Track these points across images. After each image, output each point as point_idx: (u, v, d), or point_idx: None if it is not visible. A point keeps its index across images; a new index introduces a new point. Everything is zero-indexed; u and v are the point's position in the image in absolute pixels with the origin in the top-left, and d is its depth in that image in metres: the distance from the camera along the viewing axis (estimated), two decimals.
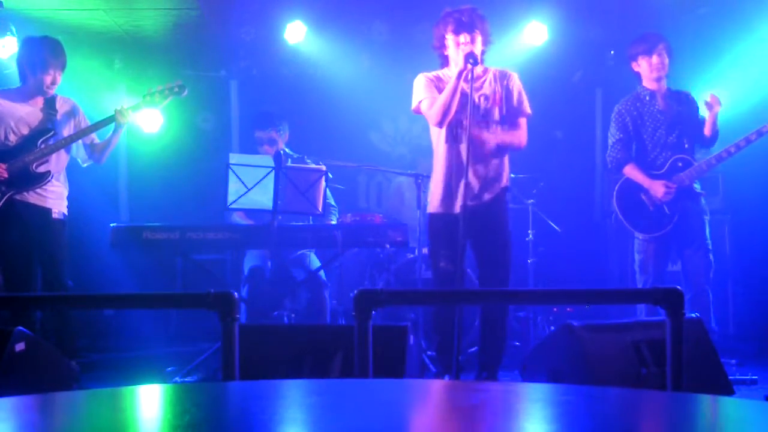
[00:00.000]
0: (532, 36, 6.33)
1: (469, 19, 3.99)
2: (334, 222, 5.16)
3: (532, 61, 6.45)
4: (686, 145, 4.69)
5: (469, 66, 3.85)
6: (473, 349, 4.74)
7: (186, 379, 4.50)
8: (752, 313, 5.99)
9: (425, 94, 4.04)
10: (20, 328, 3.25)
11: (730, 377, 3.56)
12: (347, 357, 3.13)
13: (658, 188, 4.61)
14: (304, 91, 6.86)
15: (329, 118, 6.87)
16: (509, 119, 4.13)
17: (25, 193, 4.37)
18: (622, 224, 4.83)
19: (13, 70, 4.68)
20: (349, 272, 5.71)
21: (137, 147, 6.70)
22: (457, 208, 3.97)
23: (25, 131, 4.42)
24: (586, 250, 6.60)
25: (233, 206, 4.51)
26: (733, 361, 4.93)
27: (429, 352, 4.75)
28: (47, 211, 4.41)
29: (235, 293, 2.62)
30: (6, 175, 4.31)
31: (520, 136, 4.15)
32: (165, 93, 4.62)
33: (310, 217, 5.07)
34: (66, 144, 4.44)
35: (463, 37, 3.97)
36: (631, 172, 4.70)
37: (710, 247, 4.68)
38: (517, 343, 5.60)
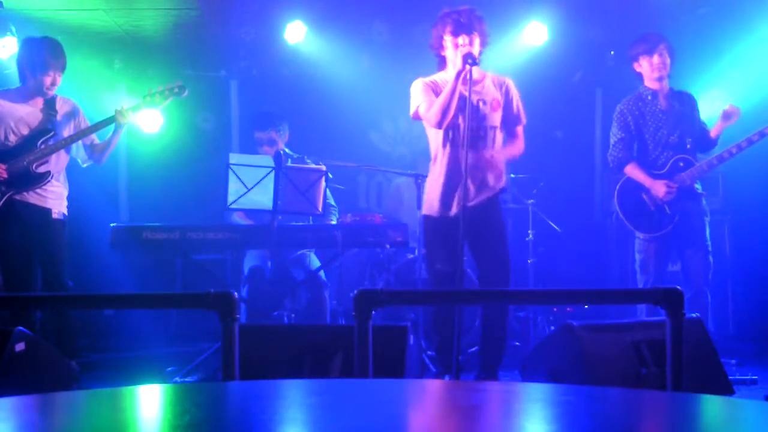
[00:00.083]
0: (532, 36, 6.33)
1: (468, 21, 3.98)
2: (334, 222, 5.16)
3: (532, 61, 6.45)
4: (688, 145, 4.69)
5: (468, 66, 3.85)
6: (473, 349, 4.75)
7: (186, 379, 4.50)
8: (752, 313, 5.99)
9: (423, 98, 4.03)
10: (20, 328, 3.25)
11: (730, 377, 3.56)
12: (347, 357, 3.13)
13: (659, 188, 4.61)
14: (304, 91, 6.86)
15: (329, 118, 6.86)
16: (507, 126, 4.15)
17: (25, 194, 4.37)
18: (623, 224, 4.83)
19: (13, 70, 4.68)
20: (349, 272, 5.71)
21: (137, 147, 6.70)
22: (454, 210, 3.97)
23: (25, 132, 4.42)
24: (586, 250, 6.60)
25: (233, 206, 4.51)
26: (733, 361, 4.93)
27: (429, 352, 4.75)
28: (47, 211, 4.41)
29: (235, 293, 2.62)
30: (5, 176, 4.31)
31: (521, 146, 4.20)
32: (165, 94, 4.62)
33: (310, 217, 5.07)
34: (66, 144, 4.44)
35: (462, 39, 3.96)
36: (633, 171, 4.70)
37: (710, 248, 4.68)
38: (517, 343, 5.60)
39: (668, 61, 4.66)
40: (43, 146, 4.39)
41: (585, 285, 5.97)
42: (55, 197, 4.46)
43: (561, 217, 6.20)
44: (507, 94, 4.17)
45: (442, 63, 4.16)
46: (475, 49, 3.96)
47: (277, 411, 1.54)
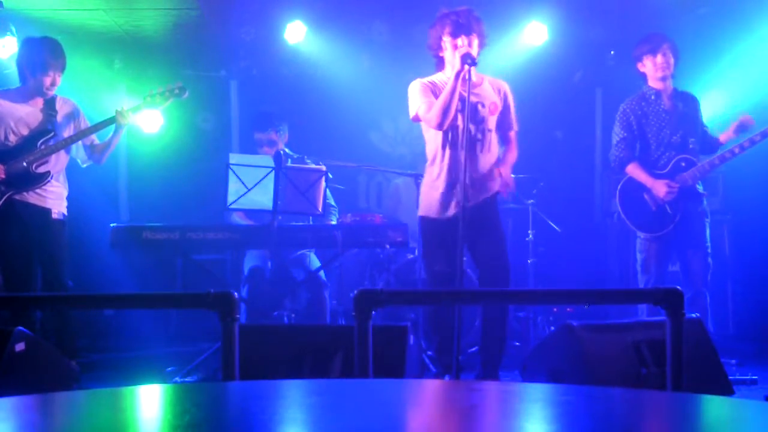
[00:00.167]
0: (532, 36, 6.33)
1: (467, 22, 3.98)
2: (334, 222, 5.16)
3: (532, 61, 6.46)
4: (691, 146, 4.69)
5: (467, 67, 3.85)
6: (473, 349, 4.74)
7: (186, 379, 4.50)
8: (752, 313, 5.99)
9: (423, 99, 4.02)
10: (20, 328, 3.25)
11: (730, 377, 3.56)
12: (347, 357, 3.13)
13: (660, 188, 4.61)
14: (304, 91, 6.85)
15: (329, 118, 6.86)
16: (501, 131, 4.17)
17: (24, 194, 4.37)
18: (622, 224, 4.83)
19: (13, 70, 4.68)
20: (349, 272, 5.71)
21: (137, 147, 6.70)
22: (452, 211, 3.97)
23: (25, 132, 4.42)
24: (586, 250, 6.60)
25: (233, 206, 4.51)
26: (733, 361, 4.93)
27: (429, 352, 4.75)
28: (47, 212, 4.41)
29: (235, 293, 2.62)
30: (3, 176, 4.31)
31: (516, 153, 4.24)
32: (166, 95, 4.62)
33: (310, 217, 5.07)
34: (66, 145, 4.44)
35: (461, 40, 3.96)
36: (634, 171, 4.70)
37: (710, 249, 4.68)
38: (517, 343, 5.60)
39: (672, 60, 4.66)
40: (43, 146, 4.39)
41: (585, 285, 5.98)
42: (55, 197, 4.46)
43: (561, 217, 6.20)
44: (505, 99, 4.18)
45: (440, 64, 4.15)
46: (474, 50, 3.96)
47: (277, 411, 1.54)
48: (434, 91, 4.05)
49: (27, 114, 4.44)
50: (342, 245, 4.54)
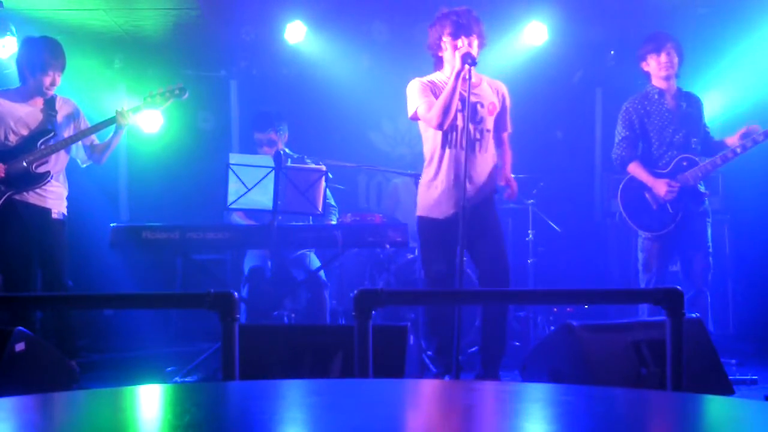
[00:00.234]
0: (532, 36, 6.32)
1: (467, 23, 3.98)
2: (334, 222, 5.16)
3: (532, 61, 6.46)
4: (693, 145, 4.69)
5: (467, 67, 3.85)
6: (473, 349, 4.74)
7: (186, 379, 4.49)
8: (752, 313, 5.99)
9: (423, 99, 4.02)
10: (20, 328, 3.25)
11: (730, 377, 3.56)
12: (347, 357, 3.13)
13: (660, 187, 4.61)
14: (304, 91, 6.85)
15: (329, 118, 6.86)
16: (496, 131, 4.16)
17: (24, 194, 4.37)
18: (622, 224, 4.83)
19: (12, 70, 4.68)
20: (349, 272, 5.71)
21: (137, 147, 6.70)
22: (452, 211, 3.97)
23: (25, 132, 4.42)
24: (586, 250, 6.60)
25: (233, 206, 4.51)
26: (733, 361, 4.93)
27: (429, 352, 4.75)
28: (47, 212, 4.41)
29: (235, 293, 2.62)
30: (2, 175, 4.31)
31: (510, 154, 4.26)
32: (166, 95, 4.62)
33: (310, 217, 5.07)
34: (66, 145, 4.44)
35: (461, 41, 3.96)
36: (636, 170, 4.70)
37: (711, 249, 4.68)
38: (517, 343, 5.59)
39: (676, 60, 4.66)
40: (42, 146, 4.39)
41: (585, 285, 5.97)
42: (54, 197, 4.46)
43: (561, 217, 6.20)
44: (503, 100, 4.20)
45: (438, 63, 4.15)
46: (474, 51, 3.96)
47: (277, 411, 1.54)
48: (434, 90, 4.05)
49: (27, 114, 4.44)
50: (342, 245, 4.54)
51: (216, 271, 6.00)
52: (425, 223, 4.12)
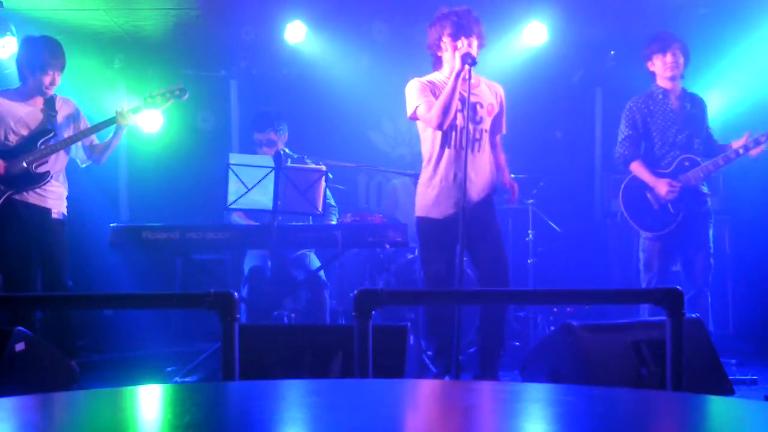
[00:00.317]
0: (532, 36, 6.32)
1: (467, 23, 3.98)
2: (334, 222, 5.16)
3: (532, 61, 6.45)
4: (696, 146, 4.69)
5: (467, 67, 3.85)
6: (473, 349, 4.74)
7: (186, 379, 4.49)
8: (752, 313, 5.99)
9: (422, 99, 4.02)
10: (20, 328, 3.25)
11: (730, 377, 3.56)
12: (347, 357, 3.13)
13: (662, 187, 4.61)
14: (304, 91, 6.85)
15: (329, 118, 6.86)
16: (492, 132, 4.16)
17: (24, 193, 4.37)
18: (622, 224, 4.84)
19: (12, 70, 4.68)
20: (349, 272, 5.71)
21: (137, 147, 6.69)
22: (451, 211, 3.97)
23: (25, 132, 4.42)
24: (586, 250, 6.60)
25: (233, 206, 4.51)
26: (733, 361, 4.94)
27: (429, 352, 4.75)
28: (47, 211, 4.41)
29: (235, 293, 2.62)
30: (2, 172, 4.31)
31: (504, 156, 4.27)
32: (166, 96, 4.62)
33: (310, 217, 5.07)
34: (66, 145, 4.44)
35: (461, 42, 3.96)
36: (638, 169, 4.70)
37: (712, 250, 4.68)
38: (517, 343, 5.59)
39: (681, 60, 4.66)
40: (42, 146, 4.39)
41: (585, 285, 5.97)
42: (54, 197, 4.46)
43: (561, 217, 6.20)
44: (501, 102, 4.20)
45: (437, 63, 4.15)
46: (474, 51, 3.96)
47: (277, 411, 1.54)
48: (433, 90, 4.05)
49: (27, 114, 4.44)
50: (342, 245, 4.54)
51: (216, 271, 6.00)
52: (424, 223, 4.12)
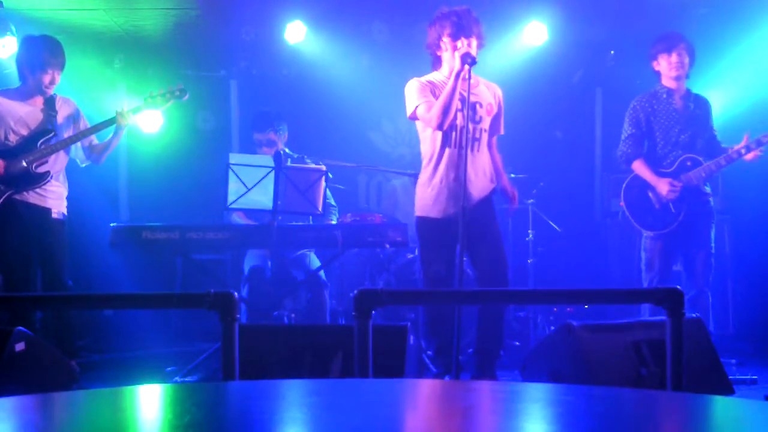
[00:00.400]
0: (532, 36, 6.33)
1: (467, 24, 3.98)
2: (334, 222, 5.16)
3: (532, 61, 6.46)
4: (698, 146, 4.69)
5: (467, 67, 3.85)
6: (473, 350, 4.74)
7: (186, 379, 4.49)
8: (752, 313, 5.99)
9: (422, 99, 4.02)
10: (20, 328, 3.25)
11: (730, 377, 3.56)
12: (347, 357, 3.13)
13: (663, 186, 4.62)
14: (304, 91, 6.85)
15: (329, 118, 6.86)
16: (490, 133, 4.16)
17: (24, 193, 4.37)
18: (622, 224, 4.84)
19: (12, 70, 4.68)
20: (349, 272, 5.71)
21: (137, 147, 6.70)
22: (452, 211, 3.97)
23: (25, 132, 4.42)
24: (586, 250, 6.60)
25: (233, 206, 4.51)
26: (733, 361, 4.94)
27: (429, 352, 4.75)
28: (47, 211, 4.41)
29: (235, 293, 2.62)
30: (2, 172, 4.31)
31: (500, 157, 4.26)
32: (166, 96, 4.63)
33: (310, 217, 5.07)
34: (66, 145, 4.44)
35: (461, 42, 3.96)
36: (639, 168, 4.71)
37: (713, 250, 4.69)
38: (517, 343, 5.59)
39: (687, 60, 4.66)
40: (42, 146, 4.39)
41: (585, 285, 5.97)
42: (55, 197, 4.46)
43: (561, 217, 6.20)
44: (499, 102, 4.20)
45: (437, 63, 4.15)
46: (473, 51, 3.96)
47: (277, 411, 1.54)
48: (433, 90, 4.05)
49: (27, 114, 4.44)
50: (342, 245, 4.54)
51: (216, 271, 6.00)
52: (424, 223, 4.12)
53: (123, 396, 1.72)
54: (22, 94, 4.48)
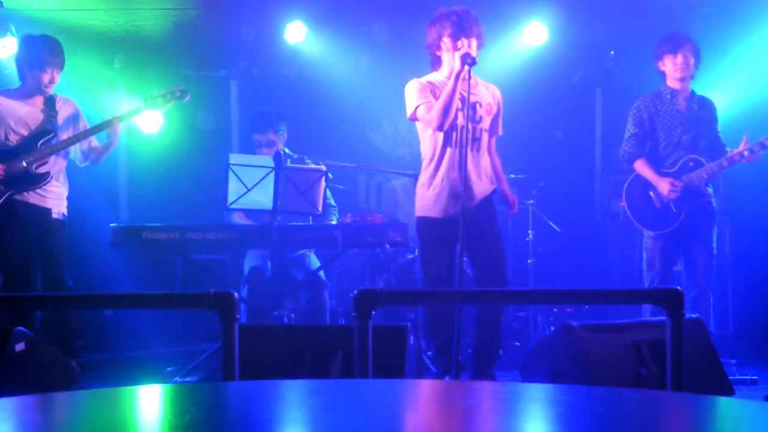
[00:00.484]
0: (532, 36, 6.33)
1: (468, 24, 3.98)
2: (334, 222, 5.16)
3: (532, 61, 6.46)
4: (701, 147, 4.69)
5: (467, 67, 3.85)
6: (471, 350, 4.74)
7: (186, 379, 4.49)
8: (752, 313, 5.99)
9: (422, 99, 4.01)
10: (20, 328, 3.25)
11: (730, 377, 3.56)
12: (347, 357, 3.13)
13: (664, 186, 4.62)
14: (304, 91, 6.85)
15: (329, 118, 6.86)
16: (489, 133, 4.16)
17: (25, 193, 4.37)
18: (622, 224, 4.84)
19: (12, 70, 4.68)
20: (349, 272, 5.71)
21: (137, 147, 6.70)
22: (452, 211, 3.96)
23: (25, 132, 4.42)
24: (586, 250, 6.61)
25: (233, 206, 4.51)
26: (733, 361, 4.94)
27: (429, 352, 4.75)
28: (47, 211, 4.41)
29: (235, 293, 2.62)
30: (2, 174, 4.31)
31: (498, 160, 4.26)
32: (167, 97, 4.63)
33: (310, 217, 5.07)
34: (65, 146, 4.44)
35: (461, 43, 3.96)
36: (641, 167, 4.72)
37: (715, 251, 4.69)
38: (517, 343, 5.59)
39: (692, 62, 4.66)
40: (42, 147, 4.39)
41: (585, 285, 5.97)
42: (55, 197, 4.46)
43: (561, 217, 6.20)
44: (498, 103, 4.20)
45: (436, 63, 4.15)
46: (473, 51, 3.96)
47: (277, 411, 1.54)
48: (433, 91, 4.04)
49: (27, 114, 4.44)
50: (342, 245, 4.54)
51: (216, 271, 6.00)
52: (425, 222, 4.11)
53: (123, 396, 1.72)
54: (22, 93, 4.48)
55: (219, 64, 6.93)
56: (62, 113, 4.52)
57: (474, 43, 3.99)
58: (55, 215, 4.44)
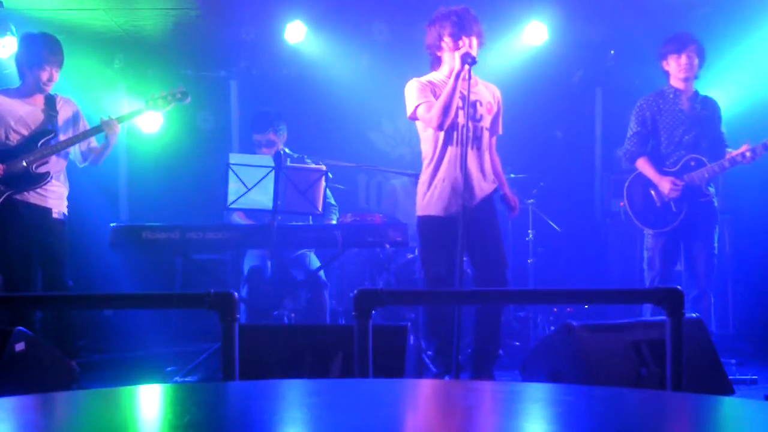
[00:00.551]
0: (532, 36, 6.33)
1: (468, 23, 3.98)
2: (334, 222, 5.16)
3: (532, 61, 6.46)
4: (703, 147, 4.69)
5: (467, 66, 3.85)
6: (471, 350, 4.74)
7: (186, 379, 4.49)
8: (752, 313, 5.99)
9: (422, 99, 4.02)
10: (20, 328, 3.25)
11: (730, 377, 3.56)
12: (347, 357, 3.13)
13: (664, 184, 4.63)
14: (304, 91, 6.85)
15: (329, 118, 6.87)
16: (489, 132, 4.16)
17: (25, 193, 4.37)
18: (622, 224, 4.84)
19: (12, 70, 4.68)
20: (349, 272, 5.71)
21: (137, 147, 6.70)
22: (453, 210, 3.96)
23: (25, 131, 4.42)
24: (586, 250, 6.61)
25: (233, 206, 4.51)
26: (733, 361, 4.94)
27: (429, 352, 4.75)
28: (47, 211, 4.41)
29: (235, 293, 2.62)
30: (2, 174, 4.31)
31: (498, 159, 4.26)
32: (168, 98, 4.63)
33: (310, 217, 5.07)
34: (65, 146, 4.44)
35: (461, 42, 3.96)
36: (643, 166, 4.73)
37: (716, 251, 4.69)
38: (517, 343, 5.59)
39: (696, 62, 4.67)
40: (42, 147, 4.39)
41: (585, 285, 5.97)
42: (55, 197, 4.46)
43: (561, 217, 6.20)
44: (498, 102, 4.20)
45: (436, 62, 4.15)
46: (474, 51, 3.97)
47: (277, 411, 1.54)
48: (433, 90, 4.05)
49: (27, 113, 4.44)
50: (342, 245, 4.54)
51: (216, 271, 6.00)
52: (426, 222, 4.11)
53: (123, 396, 1.72)
54: (22, 93, 4.48)
55: (219, 64, 6.93)
56: (63, 113, 4.52)
57: (474, 41, 4.00)
58: (55, 215, 4.44)
